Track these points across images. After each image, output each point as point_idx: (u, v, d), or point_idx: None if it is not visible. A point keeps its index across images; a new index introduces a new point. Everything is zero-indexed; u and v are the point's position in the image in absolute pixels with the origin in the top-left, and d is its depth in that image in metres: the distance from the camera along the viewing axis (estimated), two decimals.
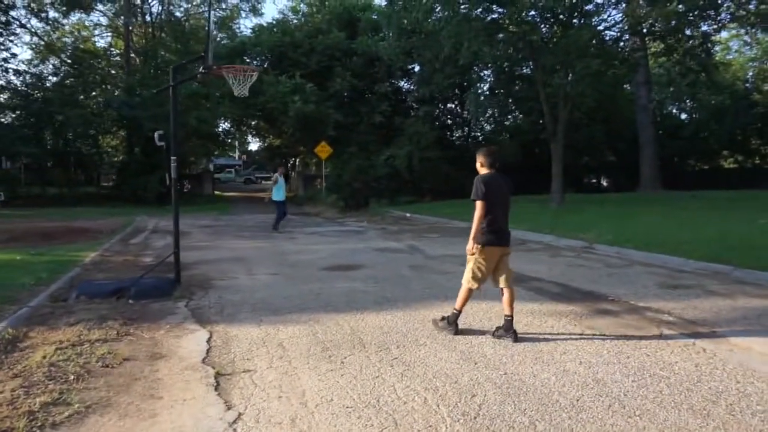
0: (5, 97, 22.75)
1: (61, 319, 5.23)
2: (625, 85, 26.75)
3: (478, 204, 4.39)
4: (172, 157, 6.40)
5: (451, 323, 4.64)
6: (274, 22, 28.67)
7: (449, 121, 30.01)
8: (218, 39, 32.11)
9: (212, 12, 33.16)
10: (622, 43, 16.67)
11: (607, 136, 28.90)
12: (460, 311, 4.65)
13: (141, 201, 21.53)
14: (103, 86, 25.78)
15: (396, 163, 23.39)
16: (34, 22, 26.84)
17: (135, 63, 27.04)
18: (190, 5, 33.29)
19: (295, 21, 28.96)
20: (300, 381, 3.64)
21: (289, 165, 39.15)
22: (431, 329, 4.78)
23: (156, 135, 6.26)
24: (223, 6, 34.36)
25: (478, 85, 19.42)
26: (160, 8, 29.59)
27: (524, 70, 22.43)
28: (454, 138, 30.24)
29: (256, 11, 34.32)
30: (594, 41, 14.95)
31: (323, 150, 22.91)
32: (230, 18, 34.46)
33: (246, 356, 4.18)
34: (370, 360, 4.00)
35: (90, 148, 24.67)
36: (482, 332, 4.69)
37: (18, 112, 22.62)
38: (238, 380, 3.68)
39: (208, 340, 4.59)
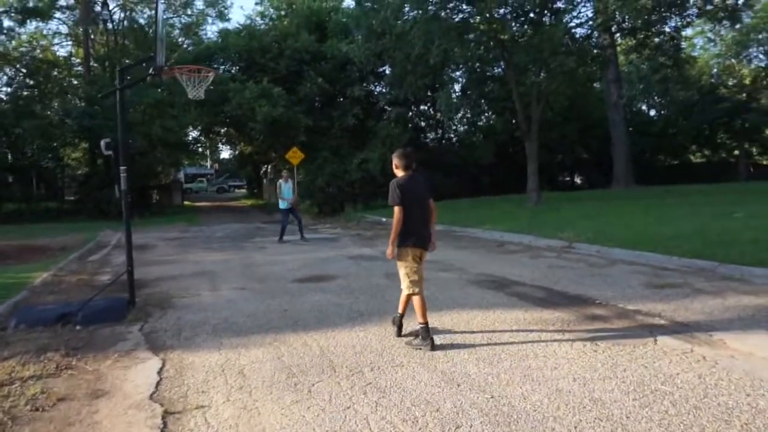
0: None
1: None
2: (595, 84, 26.89)
3: (396, 209, 4.36)
4: (122, 167, 5.86)
5: (425, 338, 4.30)
6: (241, 27, 28.00)
7: (422, 124, 29.76)
8: (184, 45, 31.31)
9: (172, 17, 32.32)
10: (593, 41, 16.59)
11: (579, 134, 29.05)
12: (425, 322, 4.35)
13: (105, 215, 20.63)
14: (64, 96, 24.71)
15: (369, 166, 22.96)
16: None
17: (97, 72, 26.07)
18: (153, 11, 32.34)
19: (262, 26, 28.34)
20: (260, 417, 3.18)
21: (261, 172, 38.40)
22: (408, 347, 4.35)
23: (102, 143, 5.72)
24: (189, 12, 33.58)
25: (450, 85, 19.14)
26: (122, 15, 28.67)
27: (496, 71, 22.33)
28: (427, 140, 29.99)
29: (222, 17, 33.51)
30: (567, 39, 14.82)
31: (295, 156, 22.28)
32: (196, 24, 33.62)
33: (201, 388, 3.70)
34: (340, 387, 3.56)
35: (50, 161, 23.63)
36: (465, 346, 4.28)
37: None
38: (188, 419, 3.20)
39: (160, 371, 4.09)
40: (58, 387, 3.83)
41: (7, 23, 26.79)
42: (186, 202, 33.65)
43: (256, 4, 37.10)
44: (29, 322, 5.44)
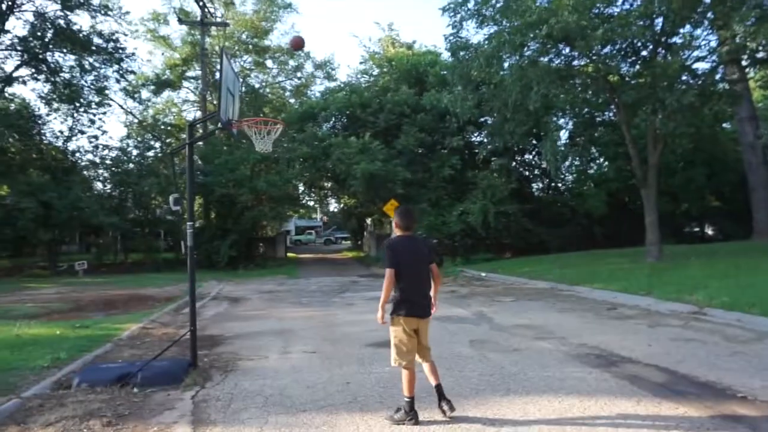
0: (95, 172, 24.62)
1: (44, 415, 4.47)
2: (725, 123, 24.07)
3: (387, 272, 4.01)
4: (188, 223, 5.71)
5: (408, 412, 3.97)
6: (343, 84, 29.13)
7: (527, 173, 28.47)
8: (295, 106, 33.17)
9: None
10: (718, 75, 14.73)
11: (708, 179, 25.93)
12: (411, 397, 4.00)
13: (214, 265, 21.68)
14: (184, 155, 27.01)
15: (470, 218, 22.11)
16: (129, 102, 29.20)
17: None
18: (267, 76, 35.00)
19: (363, 83, 29.29)
20: None
21: (364, 225, 38.88)
22: None
23: (171, 199, 5.69)
24: (299, 75, 35.91)
25: (555, 132, 17.98)
26: (239, 81, 31.27)
27: (606, 114, 20.79)
28: (532, 190, 28.55)
29: (330, 77, 35.38)
30: (684, 74, 13.25)
31: (392, 208, 22.18)
32: (305, 85, 35.74)
33: None
34: None
35: (171, 215, 25.67)
36: None
37: (105, 185, 24.32)
38: None
39: None
40: None
41: (145, 95, 30.41)
42: (291, 254, 34.77)
43: (360, 63, 38.79)
44: (91, 382, 5.29)
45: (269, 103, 31.63)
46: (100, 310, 11.71)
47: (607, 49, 13.50)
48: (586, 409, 4.08)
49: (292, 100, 35.39)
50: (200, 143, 26.67)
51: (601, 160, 26.90)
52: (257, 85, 33.58)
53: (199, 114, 34.88)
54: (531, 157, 28.00)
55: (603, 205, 24.23)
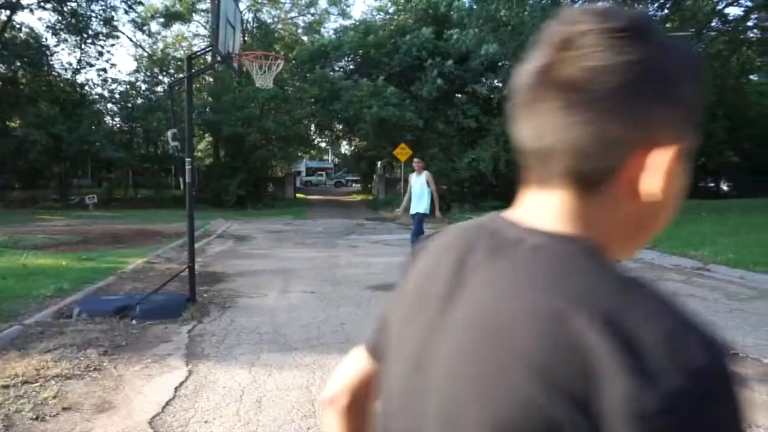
0: (104, 106, 24.44)
1: (43, 342, 4.58)
2: (752, 75, 23.12)
3: None
4: (187, 159, 5.63)
5: None
6: (358, 22, 28.10)
7: None
8: (307, 44, 32.21)
9: (296, 16, 33.45)
10: (750, 22, 13.93)
11: (728, 134, 25.17)
12: None
13: (222, 204, 21.76)
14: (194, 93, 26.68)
15: (481, 166, 21.79)
16: (138, 35, 28.57)
17: (222, 69, 27.73)
18: (279, 11, 33.84)
19: (379, 21, 28.21)
20: None
21: (374, 168, 38.62)
22: None
23: (169, 134, 5.56)
24: (312, 11, 34.64)
25: None
26: (251, 16, 30.29)
27: None
28: None
29: (345, 15, 34.06)
30: (715, 19, 12.56)
31: (402, 152, 21.88)
32: (318, 22, 34.55)
33: (207, 417, 3.19)
34: None
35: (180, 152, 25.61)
36: None
37: (114, 120, 24.22)
38: None
39: (179, 386, 3.68)
40: (74, 392, 3.56)
41: (154, 28, 29.68)
42: (300, 195, 34.79)
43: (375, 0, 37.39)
44: (91, 312, 5.40)
45: (281, 39, 30.68)
46: (107, 243, 11.88)
47: None
48: None
49: (304, 38, 34.30)
50: (210, 80, 26.32)
51: None
52: (269, 21, 32.52)
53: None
54: None
55: None
